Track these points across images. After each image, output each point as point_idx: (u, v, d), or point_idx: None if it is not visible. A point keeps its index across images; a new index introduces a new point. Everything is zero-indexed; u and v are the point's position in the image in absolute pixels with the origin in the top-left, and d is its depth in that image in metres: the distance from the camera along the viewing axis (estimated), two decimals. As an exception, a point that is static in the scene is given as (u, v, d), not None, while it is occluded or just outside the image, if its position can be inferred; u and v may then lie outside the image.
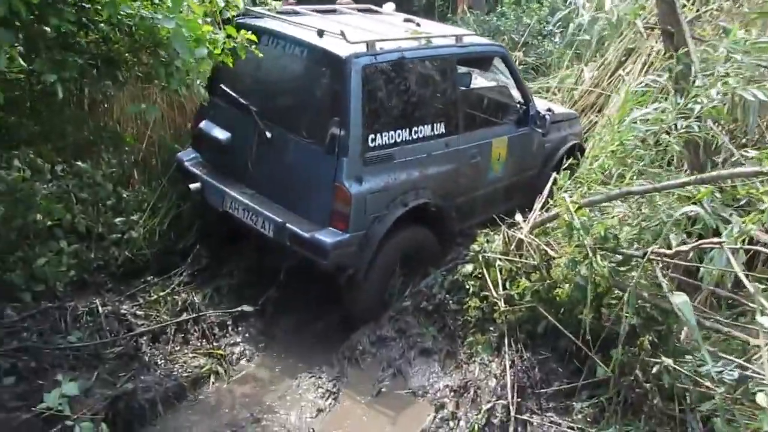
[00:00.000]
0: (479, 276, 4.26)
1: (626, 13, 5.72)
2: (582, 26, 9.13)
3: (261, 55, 4.13)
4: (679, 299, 2.89)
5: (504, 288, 4.04)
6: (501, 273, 4.09)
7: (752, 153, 3.77)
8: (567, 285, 3.46)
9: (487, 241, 4.37)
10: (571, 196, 3.60)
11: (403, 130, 4.37)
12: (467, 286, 4.32)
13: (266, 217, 4.32)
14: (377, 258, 4.33)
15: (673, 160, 4.01)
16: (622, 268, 3.36)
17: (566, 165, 4.19)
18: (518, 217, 4.34)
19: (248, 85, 4.64)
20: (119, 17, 3.49)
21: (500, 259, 3.96)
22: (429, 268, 4.66)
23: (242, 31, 4.36)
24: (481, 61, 5.34)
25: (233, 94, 4.49)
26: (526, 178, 5.55)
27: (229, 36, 4.07)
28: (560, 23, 9.92)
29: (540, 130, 5.42)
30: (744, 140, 4.42)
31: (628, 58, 7.04)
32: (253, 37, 3.97)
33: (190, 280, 4.94)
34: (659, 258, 3.19)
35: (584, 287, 3.32)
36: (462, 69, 4.95)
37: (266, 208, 4.37)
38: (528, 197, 5.01)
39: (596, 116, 6.97)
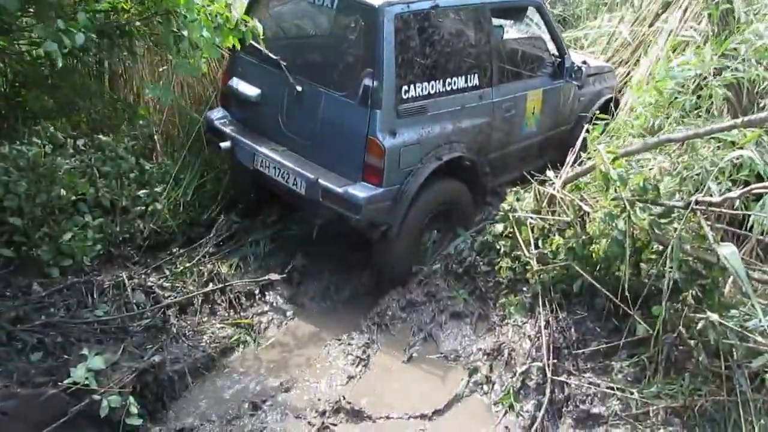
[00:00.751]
0: (510, 235, 4.11)
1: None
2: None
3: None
4: (727, 250, 2.71)
5: (536, 247, 3.88)
6: (533, 231, 3.94)
7: None
8: (604, 240, 3.27)
9: (518, 199, 4.21)
10: (606, 148, 3.38)
11: (437, 82, 4.26)
12: (498, 247, 4.18)
13: (298, 173, 4.25)
14: (410, 213, 4.23)
15: (712, 107, 3.74)
16: (663, 221, 3.16)
17: (598, 116, 3.99)
18: (549, 172, 4.16)
19: (278, 39, 4.53)
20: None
21: (532, 218, 3.77)
22: (460, 227, 4.59)
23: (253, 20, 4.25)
24: (515, 11, 5.18)
25: (262, 49, 4.32)
26: (560, 133, 5.41)
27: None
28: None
29: (576, 83, 5.27)
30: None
31: (666, 8, 6.65)
32: (260, 30, 3.86)
33: (215, 250, 4.86)
34: (704, 208, 2.97)
35: (622, 242, 3.14)
36: (496, 20, 4.80)
37: (298, 164, 4.29)
38: (562, 153, 4.93)
39: (633, 69, 6.64)
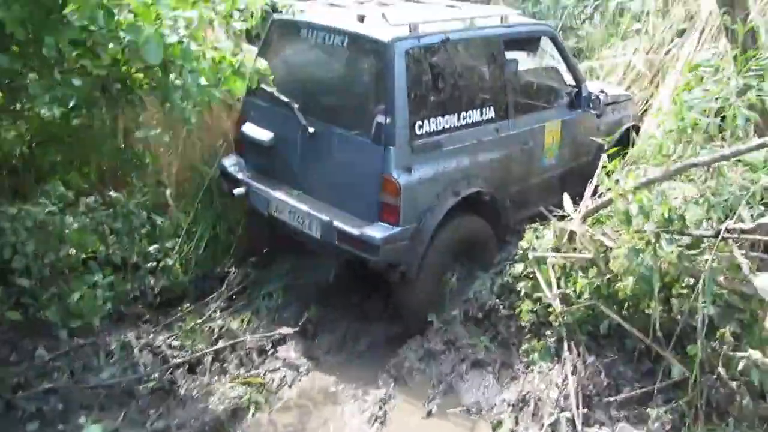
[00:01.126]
0: (530, 276, 3.88)
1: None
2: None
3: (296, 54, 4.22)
4: (765, 281, 2.45)
5: (559, 287, 3.65)
6: (554, 270, 3.71)
7: None
8: (630, 277, 3.03)
9: (537, 237, 4.00)
10: (625, 178, 3.18)
11: (451, 116, 4.18)
12: (518, 289, 3.95)
13: (313, 217, 4.15)
14: (430, 252, 4.09)
15: (736, 130, 3.52)
16: (692, 252, 2.92)
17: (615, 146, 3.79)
18: (567, 206, 3.95)
19: (288, 81, 4.48)
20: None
21: (553, 256, 3.56)
22: (483, 265, 4.43)
23: (258, 59, 4.19)
24: (529, 42, 5.03)
25: (273, 92, 4.29)
26: (581, 165, 5.21)
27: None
28: (599, 3, 9.46)
29: (594, 112, 5.14)
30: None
31: (681, 34, 6.51)
32: (268, 70, 3.81)
33: (227, 305, 4.74)
34: (735, 236, 2.73)
35: (649, 278, 2.90)
36: (509, 51, 4.70)
37: (312, 207, 4.21)
38: (584, 186, 4.81)
39: (652, 96, 6.47)
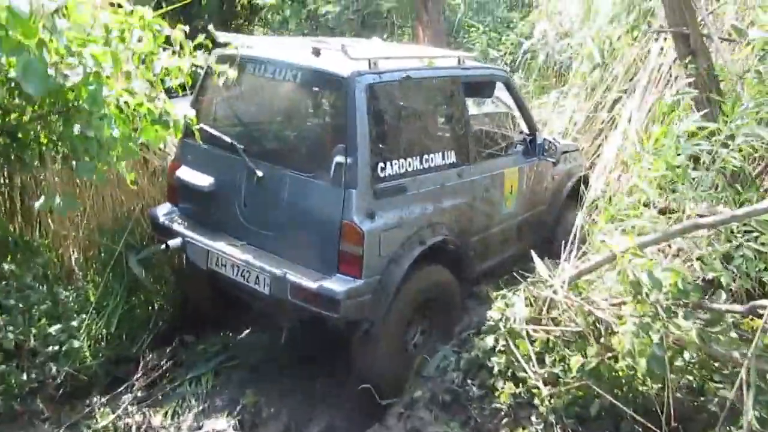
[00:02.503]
0: (504, 350, 3.42)
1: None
2: (552, 56, 8.71)
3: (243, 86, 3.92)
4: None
5: (540, 362, 3.21)
6: (533, 344, 3.27)
7: None
8: (640, 357, 2.61)
9: (506, 305, 3.56)
10: (615, 237, 2.80)
11: (414, 159, 3.87)
12: (490, 365, 3.49)
13: (261, 270, 3.67)
14: (394, 306, 3.70)
15: (723, 180, 3.27)
16: (714, 330, 2.55)
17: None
18: (541, 268, 3.55)
19: (232, 121, 4.16)
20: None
21: (533, 329, 3.12)
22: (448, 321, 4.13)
23: (187, 113, 3.70)
24: (485, 86, 4.79)
25: (215, 133, 3.92)
26: (537, 215, 5.12)
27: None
28: (529, 54, 9.54)
29: (551, 159, 4.96)
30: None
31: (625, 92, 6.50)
32: (193, 119, 3.37)
33: (146, 394, 4.01)
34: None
35: (662, 359, 2.49)
36: (467, 95, 4.52)
37: (260, 260, 3.73)
38: (538, 236, 5.04)
39: (597, 147, 6.37)
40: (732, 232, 2.71)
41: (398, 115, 3.93)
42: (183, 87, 4.44)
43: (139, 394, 3.99)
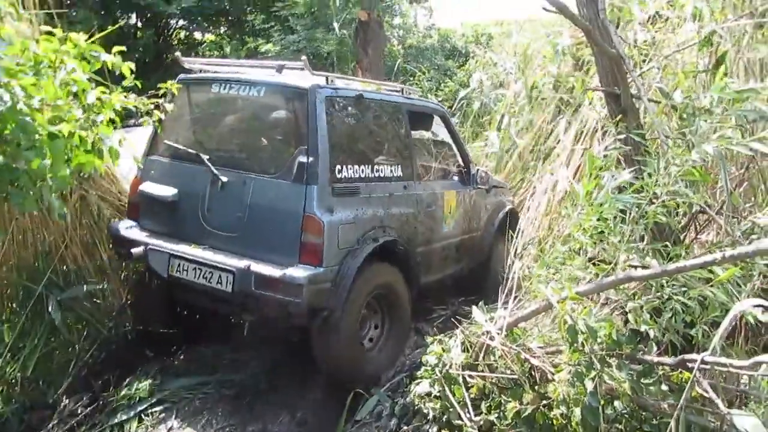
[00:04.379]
0: (439, 396, 3.40)
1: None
2: (488, 105, 9.02)
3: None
4: (748, 422, 2.15)
5: (475, 408, 3.20)
6: (468, 390, 3.26)
7: (765, 218, 3.20)
8: (575, 407, 2.64)
9: (443, 350, 3.55)
10: (553, 287, 2.85)
11: (366, 167, 4.34)
12: (425, 410, 3.45)
13: (224, 268, 3.91)
14: (350, 297, 4.00)
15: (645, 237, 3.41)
16: (647, 381, 2.60)
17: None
18: (477, 314, 3.57)
19: (196, 135, 4.55)
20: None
21: (469, 375, 3.12)
22: (397, 323, 4.52)
23: (119, 131, 3.97)
24: (424, 117, 5.27)
25: (180, 147, 4.32)
26: (472, 239, 5.60)
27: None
28: (465, 101, 9.84)
29: (484, 187, 5.58)
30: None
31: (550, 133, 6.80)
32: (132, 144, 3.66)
33: (64, 443, 3.77)
34: (703, 366, 2.38)
35: (596, 409, 2.52)
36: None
37: (223, 260, 3.97)
38: (474, 260, 5.62)
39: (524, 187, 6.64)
40: (662, 286, 2.81)
41: (352, 127, 4.37)
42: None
43: (55, 443, 3.74)
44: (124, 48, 4.36)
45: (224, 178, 4.11)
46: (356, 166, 4.23)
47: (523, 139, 7.24)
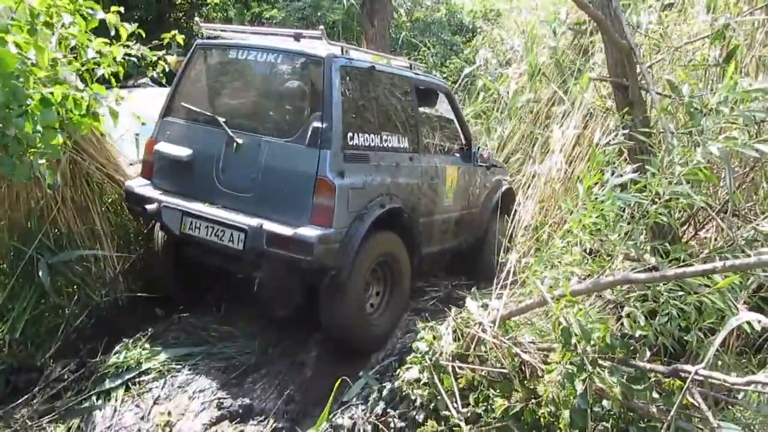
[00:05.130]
0: (428, 383, 3.39)
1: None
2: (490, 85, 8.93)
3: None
4: (735, 434, 2.14)
5: (463, 398, 3.19)
6: (456, 380, 3.25)
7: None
8: (564, 409, 2.62)
9: (434, 337, 3.53)
10: (549, 283, 2.82)
11: (376, 136, 4.51)
12: (413, 396, 3.44)
13: (236, 227, 4.08)
14: (357, 260, 4.18)
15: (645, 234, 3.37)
16: (638, 387, 2.59)
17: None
18: (470, 304, 3.54)
19: (213, 99, 4.67)
20: None
21: (459, 367, 3.11)
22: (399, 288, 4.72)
23: (115, 90, 4.14)
24: (429, 93, 5.43)
25: (196, 109, 4.48)
26: (471, 215, 5.76)
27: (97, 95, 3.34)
28: (469, 79, 9.71)
29: (484, 165, 5.74)
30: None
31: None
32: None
33: (48, 407, 3.75)
34: (696, 377, 2.36)
35: (585, 412, 2.52)
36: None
37: (235, 218, 4.13)
38: (472, 236, 5.82)
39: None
40: (659, 291, 2.78)
41: (364, 97, 4.48)
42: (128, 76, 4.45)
43: (40, 407, 3.72)
44: (121, 9, 4.31)
45: (239, 140, 4.26)
46: (367, 135, 4.40)
47: (524, 121, 7.19)
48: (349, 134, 4.24)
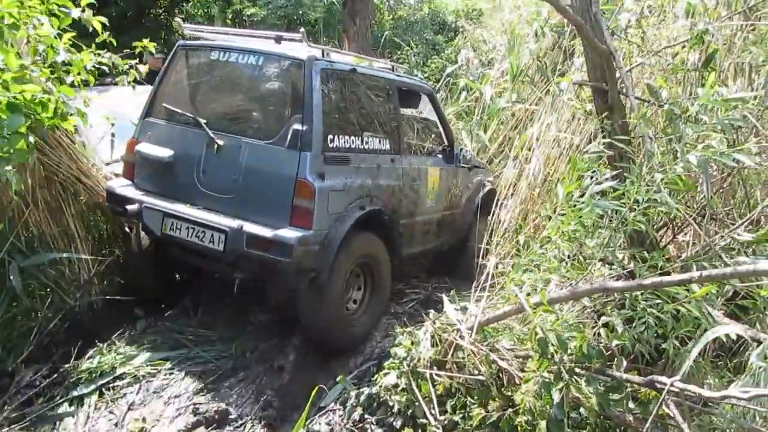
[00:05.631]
0: (406, 389, 3.37)
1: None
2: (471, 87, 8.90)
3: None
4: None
5: (440, 405, 3.17)
6: (434, 386, 3.23)
7: (745, 235, 3.18)
8: (540, 419, 2.61)
9: (412, 343, 3.51)
10: (527, 291, 2.81)
11: (356, 138, 4.52)
12: (391, 402, 3.42)
13: (217, 228, 4.09)
14: (336, 262, 4.19)
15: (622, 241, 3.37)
16: (615, 397, 2.58)
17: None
18: (449, 309, 3.53)
19: (194, 100, 4.66)
20: None
21: (437, 374, 3.09)
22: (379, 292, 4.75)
23: (83, 92, 4.17)
24: (411, 95, 5.52)
25: (177, 110, 4.49)
26: (453, 216, 5.78)
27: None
28: (450, 78, 9.68)
29: (466, 165, 5.78)
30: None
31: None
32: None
33: (18, 414, 3.67)
34: (671, 389, 2.35)
35: (562, 423, 2.51)
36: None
37: (216, 220, 4.14)
38: (454, 236, 5.87)
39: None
40: (636, 298, 2.78)
41: (344, 99, 4.50)
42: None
43: (10, 414, 3.64)
44: (93, 1, 4.24)
45: (220, 142, 4.26)
46: (347, 137, 4.41)
47: (506, 124, 7.19)
48: (330, 136, 4.25)
